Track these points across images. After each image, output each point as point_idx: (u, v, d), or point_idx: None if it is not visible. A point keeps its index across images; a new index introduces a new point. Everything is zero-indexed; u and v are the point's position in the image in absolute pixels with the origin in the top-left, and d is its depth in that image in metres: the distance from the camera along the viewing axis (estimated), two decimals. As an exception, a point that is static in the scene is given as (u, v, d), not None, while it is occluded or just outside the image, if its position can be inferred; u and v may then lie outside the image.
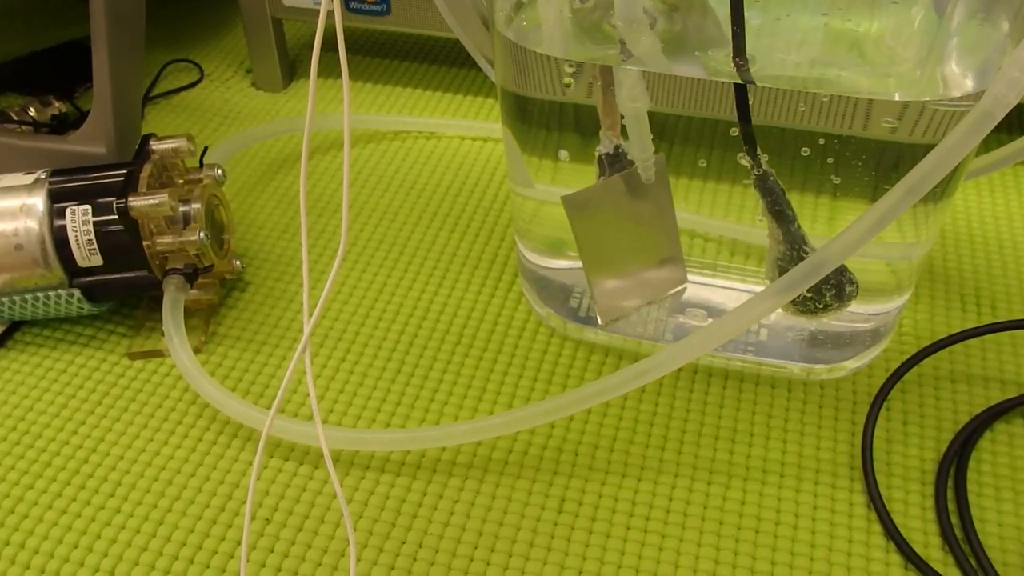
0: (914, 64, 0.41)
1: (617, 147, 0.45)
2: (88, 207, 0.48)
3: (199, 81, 0.75)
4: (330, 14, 0.31)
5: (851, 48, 0.41)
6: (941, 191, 0.42)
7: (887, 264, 0.46)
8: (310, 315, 0.34)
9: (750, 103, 0.40)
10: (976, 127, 0.31)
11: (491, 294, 0.53)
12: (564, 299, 0.51)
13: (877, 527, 0.41)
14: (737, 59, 0.38)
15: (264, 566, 0.40)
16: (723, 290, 0.50)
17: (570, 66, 0.41)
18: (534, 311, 0.52)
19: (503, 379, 0.48)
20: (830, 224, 0.44)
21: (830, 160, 0.42)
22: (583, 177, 0.46)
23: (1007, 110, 0.30)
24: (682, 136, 0.45)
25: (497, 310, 0.52)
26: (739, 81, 0.39)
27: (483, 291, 0.53)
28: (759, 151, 0.41)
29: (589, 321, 0.50)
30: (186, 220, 0.49)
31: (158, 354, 0.50)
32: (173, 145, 0.51)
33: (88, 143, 0.59)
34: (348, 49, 0.77)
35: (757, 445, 0.45)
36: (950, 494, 0.42)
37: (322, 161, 0.65)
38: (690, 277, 0.50)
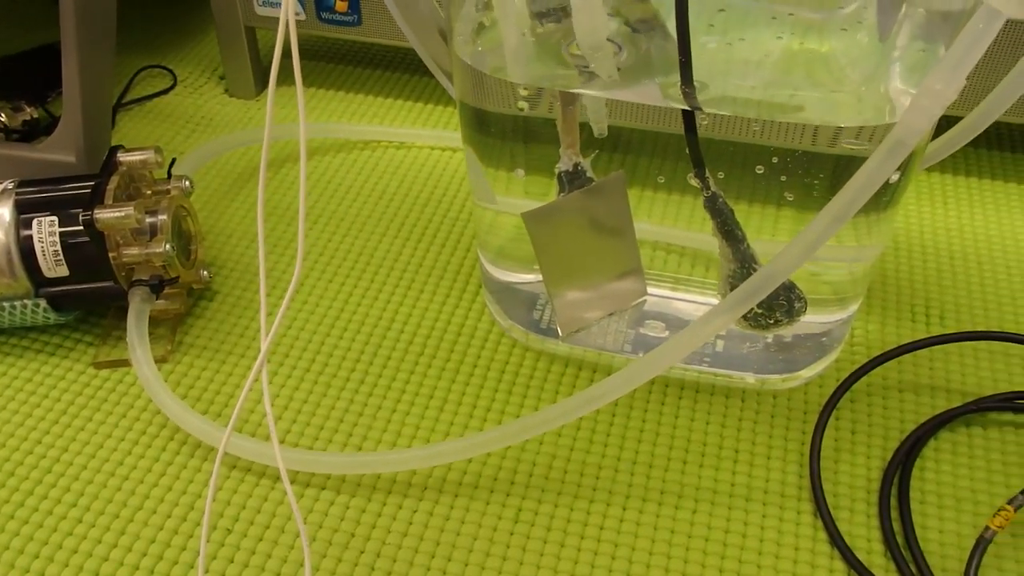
0: (860, 86, 0.42)
1: (576, 164, 0.46)
2: (55, 218, 0.48)
3: (172, 87, 0.76)
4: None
5: (803, 70, 0.42)
6: (887, 201, 0.43)
7: (840, 271, 0.47)
8: (267, 334, 0.35)
9: (705, 122, 0.41)
10: (891, 154, 0.32)
11: (455, 305, 0.54)
12: (527, 311, 0.52)
13: (823, 535, 0.42)
14: (684, 87, 0.39)
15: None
16: (683, 302, 0.51)
17: (525, 89, 0.42)
18: (497, 322, 0.53)
19: (465, 390, 0.49)
20: (790, 239, 0.45)
21: (783, 178, 0.43)
22: (544, 191, 0.47)
23: (919, 137, 0.31)
24: (643, 149, 0.46)
25: (461, 321, 0.53)
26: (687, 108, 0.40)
27: (448, 302, 0.54)
28: (708, 173, 0.43)
29: (551, 333, 0.51)
30: (153, 232, 0.50)
31: (124, 363, 0.50)
32: (141, 157, 0.51)
33: (57, 151, 0.59)
34: (320, 59, 0.78)
35: (710, 455, 0.46)
36: (894, 502, 0.43)
37: (292, 170, 0.66)
38: (650, 290, 0.51)
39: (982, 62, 0.37)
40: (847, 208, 0.33)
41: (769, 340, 0.49)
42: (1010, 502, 0.40)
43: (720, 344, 0.50)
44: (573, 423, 0.47)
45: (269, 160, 0.66)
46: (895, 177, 0.41)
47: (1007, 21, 0.30)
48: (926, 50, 0.40)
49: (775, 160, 0.43)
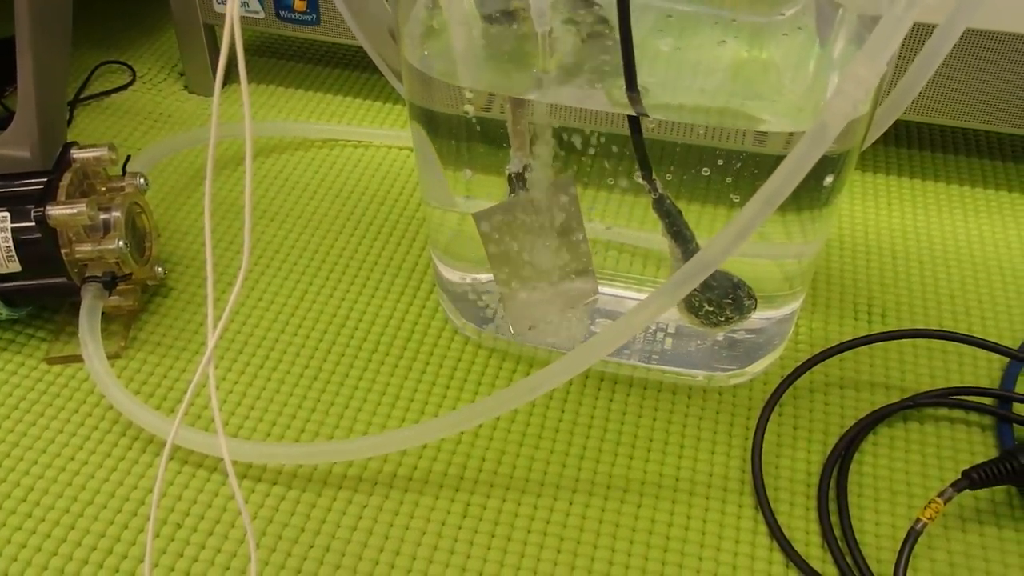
0: (800, 93, 0.43)
1: (527, 166, 0.47)
2: (7, 214, 0.48)
3: (131, 83, 0.76)
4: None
5: (745, 77, 0.43)
6: (825, 199, 0.44)
7: (779, 267, 0.48)
8: (214, 329, 0.36)
9: (652, 126, 0.42)
10: (817, 138, 0.32)
11: (409, 302, 0.55)
12: (480, 310, 0.53)
13: (763, 528, 0.44)
14: (630, 92, 0.40)
15: (173, 570, 0.41)
16: (634, 302, 0.52)
17: (470, 92, 0.43)
18: (450, 320, 0.54)
19: (417, 386, 0.50)
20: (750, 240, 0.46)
21: (729, 179, 0.44)
22: (493, 191, 0.48)
23: (845, 121, 0.32)
24: (594, 151, 0.46)
25: (415, 318, 0.54)
26: (633, 113, 0.41)
27: (402, 299, 0.55)
28: (655, 175, 0.43)
29: (503, 331, 0.52)
30: (106, 228, 0.50)
31: (77, 359, 0.50)
32: (95, 154, 0.51)
33: (12, 147, 0.59)
34: (279, 57, 0.78)
35: (655, 451, 0.47)
36: (832, 495, 0.45)
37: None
38: (602, 289, 0.52)
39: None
40: (777, 193, 0.34)
41: (720, 338, 0.50)
42: (940, 495, 0.41)
43: (669, 342, 0.51)
44: (522, 419, 0.48)
45: (228, 158, 0.66)
46: (829, 179, 0.42)
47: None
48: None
49: (720, 162, 0.44)
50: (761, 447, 0.46)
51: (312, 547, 0.42)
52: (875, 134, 0.47)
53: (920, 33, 0.57)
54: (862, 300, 0.55)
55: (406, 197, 0.63)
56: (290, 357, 0.51)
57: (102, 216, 0.50)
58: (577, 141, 0.45)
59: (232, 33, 0.32)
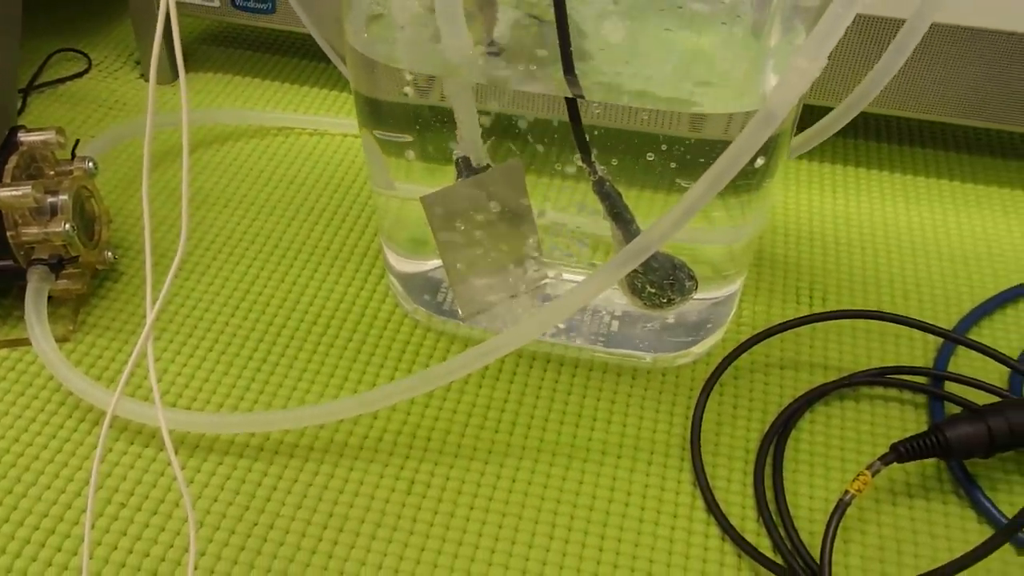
0: (739, 80, 0.44)
1: (473, 151, 0.48)
2: (-47, 198, 0.48)
3: (86, 71, 0.75)
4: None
5: (687, 64, 0.44)
6: (757, 183, 0.45)
7: (718, 249, 0.49)
8: (154, 303, 0.36)
9: (597, 111, 0.43)
10: (761, 126, 0.34)
11: (361, 287, 0.55)
12: (430, 294, 0.53)
13: (700, 503, 0.45)
14: (567, 75, 0.40)
15: (116, 548, 0.42)
16: (580, 284, 0.53)
17: (410, 74, 0.43)
18: (400, 304, 0.54)
19: (365, 368, 0.51)
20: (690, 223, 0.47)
21: (673, 164, 0.45)
22: (441, 176, 0.48)
23: (788, 109, 0.34)
24: (540, 136, 0.47)
25: (365, 303, 0.54)
26: (570, 96, 0.42)
27: (353, 283, 0.56)
28: (595, 159, 0.44)
29: (453, 314, 0.53)
30: (53, 211, 0.50)
31: (24, 343, 0.50)
32: (42, 138, 0.51)
33: (-39, 134, 0.59)
34: (235, 45, 0.78)
35: (599, 429, 0.48)
36: (768, 470, 0.46)
37: (206, 154, 0.66)
38: (550, 272, 0.53)
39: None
40: (721, 177, 0.35)
41: (670, 320, 0.51)
42: (868, 467, 0.42)
43: (615, 325, 0.52)
44: (469, 398, 0.49)
45: (181, 145, 0.67)
46: (760, 161, 0.43)
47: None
48: (797, 44, 0.42)
49: (664, 147, 0.45)
50: (700, 424, 0.47)
51: (256, 524, 0.43)
52: (836, 127, 0.48)
53: (863, 25, 0.58)
54: (804, 284, 0.56)
55: (360, 184, 0.63)
56: (240, 340, 0.52)
57: (49, 199, 0.50)
58: (522, 125, 0.46)
59: (168, 22, 0.32)
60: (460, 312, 0.52)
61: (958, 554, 0.39)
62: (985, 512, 0.44)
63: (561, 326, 0.52)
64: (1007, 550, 0.43)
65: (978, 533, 0.44)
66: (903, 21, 0.42)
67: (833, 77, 0.62)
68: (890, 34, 0.59)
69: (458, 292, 0.51)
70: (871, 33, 0.59)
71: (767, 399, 0.49)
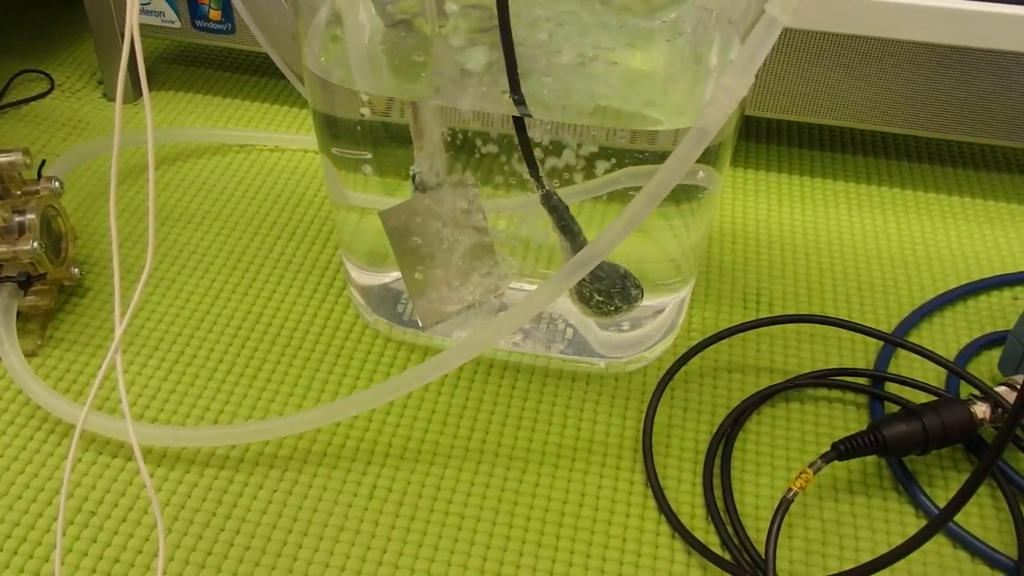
0: (682, 94, 0.46)
1: (430, 165, 0.49)
2: (-81, 218, 0.49)
3: (49, 92, 0.76)
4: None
5: (630, 81, 0.46)
6: (698, 194, 0.47)
7: (663, 257, 0.51)
8: (122, 316, 0.37)
9: (548, 126, 0.45)
10: (695, 142, 0.36)
11: (322, 299, 0.57)
12: (390, 305, 0.55)
13: (652, 502, 0.47)
14: (513, 96, 0.42)
15: (86, 555, 0.43)
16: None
17: (366, 95, 0.45)
18: (361, 316, 0.56)
19: (328, 378, 0.52)
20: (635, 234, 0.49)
21: (623, 178, 0.47)
22: (398, 191, 0.50)
23: (719, 126, 0.36)
24: (495, 150, 0.49)
25: (327, 314, 0.56)
26: (517, 115, 0.44)
27: (315, 296, 0.57)
28: (542, 173, 0.46)
29: (413, 325, 0.54)
30: (21, 230, 0.51)
31: (-9, 360, 0.51)
32: (9, 159, 0.53)
33: (-74, 154, 0.60)
34: (197, 64, 0.79)
35: (554, 433, 0.50)
36: (717, 470, 0.48)
37: (169, 171, 0.67)
38: (505, 282, 0.55)
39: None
40: (660, 189, 0.37)
41: (625, 327, 0.53)
42: (810, 466, 0.44)
43: (570, 332, 0.54)
44: (428, 405, 0.51)
45: (145, 163, 0.68)
46: (701, 175, 0.45)
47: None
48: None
49: (613, 160, 0.47)
50: (652, 427, 0.49)
51: (223, 531, 0.44)
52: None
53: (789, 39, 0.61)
54: (751, 290, 0.59)
55: (320, 199, 0.65)
56: (204, 352, 0.53)
57: (17, 219, 0.51)
58: (477, 141, 0.48)
59: (132, 44, 0.34)
60: (420, 323, 0.54)
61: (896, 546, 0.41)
62: (922, 506, 0.47)
63: (517, 335, 0.54)
64: (943, 543, 0.45)
65: (916, 527, 0.46)
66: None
67: (775, 88, 0.64)
68: (824, 45, 0.61)
69: (417, 304, 0.53)
70: (804, 46, 0.62)
71: (716, 402, 0.52)
